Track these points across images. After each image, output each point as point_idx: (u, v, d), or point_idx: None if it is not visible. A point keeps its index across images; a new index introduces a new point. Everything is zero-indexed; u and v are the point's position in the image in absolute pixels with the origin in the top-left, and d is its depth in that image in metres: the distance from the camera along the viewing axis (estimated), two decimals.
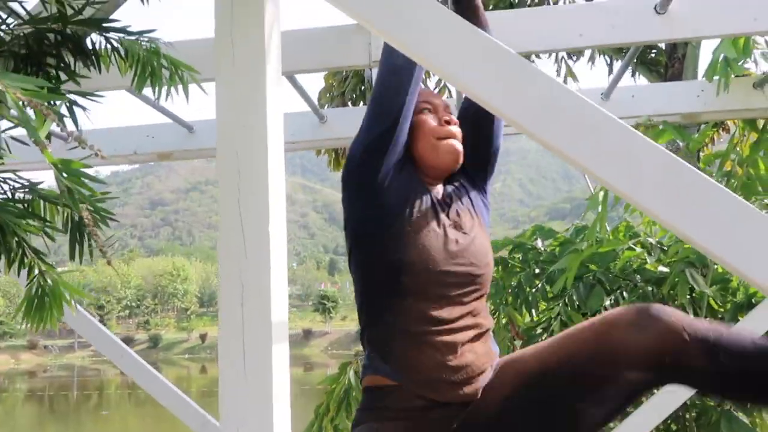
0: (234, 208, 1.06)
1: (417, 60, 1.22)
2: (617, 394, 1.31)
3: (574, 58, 4.04)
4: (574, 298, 3.36)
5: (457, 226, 1.49)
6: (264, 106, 1.10)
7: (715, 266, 3.16)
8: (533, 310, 3.48)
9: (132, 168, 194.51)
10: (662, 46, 4.29)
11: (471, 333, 1.43)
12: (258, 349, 1.02)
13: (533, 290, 3.55)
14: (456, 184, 1.58)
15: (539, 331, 3.18)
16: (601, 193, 3.02)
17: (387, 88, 1.46)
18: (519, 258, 3.78)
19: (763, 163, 3.09)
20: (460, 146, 1.54)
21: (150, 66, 1.03)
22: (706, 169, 3.30)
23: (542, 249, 3.79)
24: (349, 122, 3.04)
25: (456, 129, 1.55)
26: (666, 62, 4.05)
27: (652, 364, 1.26)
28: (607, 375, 1.30)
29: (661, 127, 2.67)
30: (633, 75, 4.33)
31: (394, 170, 1.47)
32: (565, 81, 4.00)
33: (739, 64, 2.66)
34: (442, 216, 1.48)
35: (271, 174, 1.08)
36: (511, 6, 4.18)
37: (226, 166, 1.08)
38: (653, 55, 4.16)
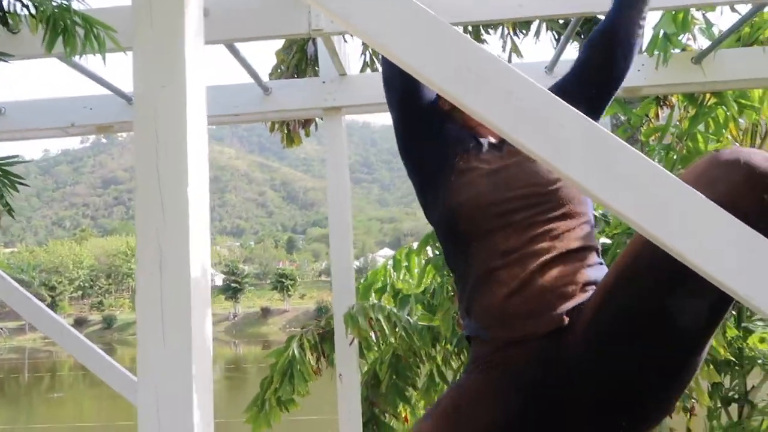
0: (152, 173, 1.03)
1: (343, 27, 1.19)
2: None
3: (521, 34, 4.06)
4: None
5: (508, 154, 1.42)
6: (183, 71, 1.07)
7: None
8: None
9: (83, 146, 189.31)
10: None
11: (547, 256, 1.31)
12: (177, 313, 1.00)
13: None
14: None
15: None
16: None
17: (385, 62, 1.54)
18: None
19: (701, 136, 3.17)
20: None
21: (63, 22, 0.99)
22: (647, 142, 3.36)
23: None
24: (293, 94, 3.01)
25: None
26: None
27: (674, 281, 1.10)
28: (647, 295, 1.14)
29: None
30: (579, 50, 4.36)
31: (435, 132, 1.49)
32: (510, 58, 4.02)
33: (679, 38, 2.71)
34: (489, 149, 1.45)
35: (190, 138, 1.06)
36: None
37: (144, 130, 1.05)
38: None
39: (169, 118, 1.05)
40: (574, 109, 1.01)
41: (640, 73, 2.89)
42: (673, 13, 2.75)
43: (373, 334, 2.75)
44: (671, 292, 1.13)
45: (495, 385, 1.29)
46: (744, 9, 2.59)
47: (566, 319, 1.26)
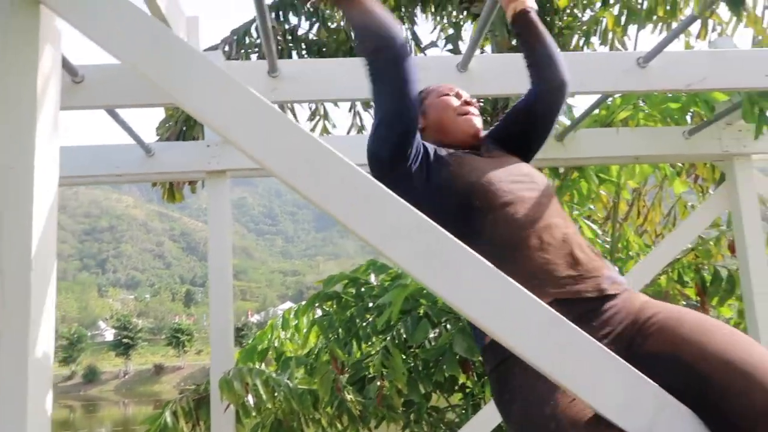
0: None
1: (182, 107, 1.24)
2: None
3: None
4: (402, 331, 3.50)
5: (495, 156, 1.61)
6: (32, 147, 1.09)
7: None
8: (363, 344, 3.57)
9: None
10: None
11: (569, 230, 1.46)
12: (13, 386, 1.00)
13: (364, 324, 3.65)
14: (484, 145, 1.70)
15: (366, 365, 3.28)
16: None
17: (392, 96, 1.49)
18: (353, 292, 3.88)
19: (566, 207, 3.42)
20: (478, 121, 1.70)
21: None
22: None
23: (375, 284, 3.91)
24: (176, 156, 3.01)
25: (471, 106, 1.71)
26: (492, 111, 4.39)
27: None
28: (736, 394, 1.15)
29: None
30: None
31: (423, 161, 1.54)
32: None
33: None
34: (475, 155, 1.60)
35: (36, 221, 1.07)
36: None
37: None
38: (480, 103, 4.50)
39: (15, 202, 1.07)
40: (400, 199, 1.11)
41: None
42: None
43: (251, 399, 2.73)
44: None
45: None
46: None
47: (607, 291, 1.37)
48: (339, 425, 3.53)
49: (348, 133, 4.77)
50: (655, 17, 4.27)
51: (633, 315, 1.37)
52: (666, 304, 1.40)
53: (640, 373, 1.16)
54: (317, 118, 4.75)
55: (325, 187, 1.10)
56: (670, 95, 3.07)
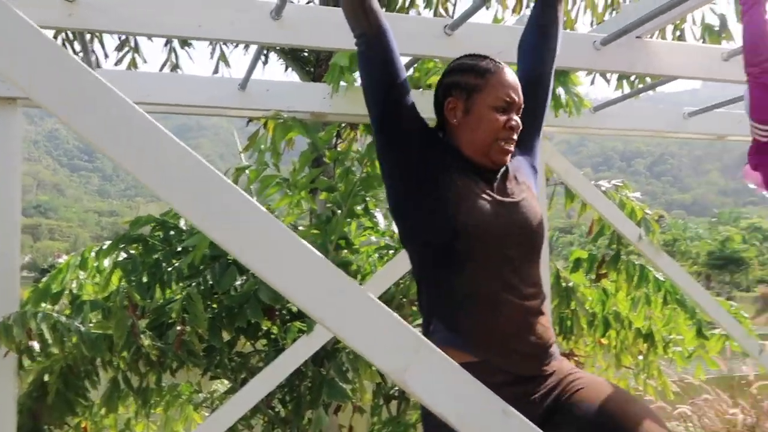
0: None
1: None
2: None
3: (230, 46, 4.15)
4: (208, 278, 3.46)
5: (504, 194, 1.52)
6: None
7: None
8: (167, 289, 3.49)
9: None
10: None
11: (536, 302, 1.47)
12: None
13: (170, 269, 3.55)
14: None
15: (167, 310, 3.21)
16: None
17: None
18: (161, 236, 3.75)
19: (378, 162, 3.54)
20: (510, 154, 1.56)
21: None
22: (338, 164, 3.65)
23: (185, 228, 3.81)
24: None
25: (516, 135, 1.55)
26: (315, 62, 4.39)
27: None
28: None
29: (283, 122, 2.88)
30: (286, 70, 4.62)
31: (422, 142, 1.52)
32: (216, 69, 4.08)
33: (353, 73, 3.00)
34: (485, 185, 1.51)
35: None
36: None
37: None
38: (305, 54, 4.47)
39: None
40: (177, 141, 1.10)
41: (326, 101, 3.15)
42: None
43: (37, 345, 2.58)
44: None
45: None
46: None
47: (554, 372, 1.48)
48: (141, 370, 3.45)
49: (161, 69, 4.51)
50: None
51: (561, 377, 1.52)
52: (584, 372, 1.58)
53: (399, 318, 1.27)
54: (126, 49, 4.43)
55: (96, 120, 1.06)
56: None
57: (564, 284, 4.03)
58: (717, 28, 4.53)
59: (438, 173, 1.51)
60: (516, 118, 1.55)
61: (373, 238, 4.29)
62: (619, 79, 4.36)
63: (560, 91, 3.27)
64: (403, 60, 2.93)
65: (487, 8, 5.01)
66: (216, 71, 4.36)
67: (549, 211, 4.11)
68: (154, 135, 1.07)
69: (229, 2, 2.22)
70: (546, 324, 1.51)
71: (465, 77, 1.57)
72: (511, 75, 1.58)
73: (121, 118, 1.06)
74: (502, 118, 1.53)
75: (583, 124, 3.66)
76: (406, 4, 4.72)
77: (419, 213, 1.51)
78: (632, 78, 4.34)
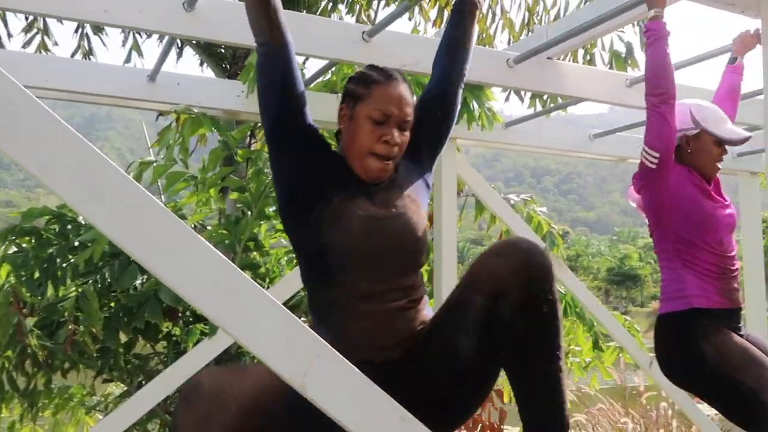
0: None
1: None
2: (473, 321, 1.39)
3: (143, 35, 3.99)
4: (107, 275, 3.31)
5: (384, 206, 1.54)
6: None
7: None
8: (61, 286, 3.31)
9: None
10: None
11: (402, 302, 1.52)
12: None
13: (65, 265, 3.37)
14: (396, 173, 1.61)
15: (59, 308, 3.04)
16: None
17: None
18: (56, 230, 3.56)
19: None
20: (387, 170, 1.55)
21: None
22: (241, 163, 3.58)
23: (83, 222, 3.63)
24: None
25: (392, 150, 1.54)
26: (231, 59, 4.29)
27: (493, 292, 1.35)
28: (466, 299, 1.40)
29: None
30: (201, 65, 4.48)
31: (310, 156, 1.54)
32: (128, 59, 3.89)
33: None
34: (366, 198, 1.53)
35: None
36: None
37: None
38: (221, 50, 4.36)
39: None
40: (68, 128, 1.04)
41: (239, 99, 3.08)
42: None
43: None
44: (457, 325, 1.43)
45: None
46: None
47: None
48: (28, 371, 3.25)
49: (72, 55, 4.28)
50: None
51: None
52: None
53: (300, 322, 1.25)
54: (35, 31, 4.18)
55: None
56: None
57: None
58: (623, 55, 4.76)
59: (320, 188, 1.53)
60: (394, 134, 1.54)
61: (283, 241, 4.24)
62: (532, 97, 4.50)
63: (474, 105, 3.34)
64: (320, 63, 2.93)
65: (410, 19, 5.09)
66: (128, 61, 4.18)
67: (460, 222, 4.18)
68: (43, 120, 1.00)
69: None
70: (409, 317, 1.54)
71: (356, 86, 1.60)
72: (399, 89, 1.58)
73: (6, 102, 0.99)
74: (377, 131, 1.53)
75: (495, 139, 3.74)
76: (329, 7, 4.70)
77: (297, 225, 1.55)
78: (545, 97, 4.49)
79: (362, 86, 1.58)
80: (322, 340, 1.25)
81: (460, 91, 1.80)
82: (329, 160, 1.59)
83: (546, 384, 1.39)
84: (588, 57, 5.07)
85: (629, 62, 4.80)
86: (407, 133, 1.58)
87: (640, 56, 5.34)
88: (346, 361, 1.28)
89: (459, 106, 1.81)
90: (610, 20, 2.39)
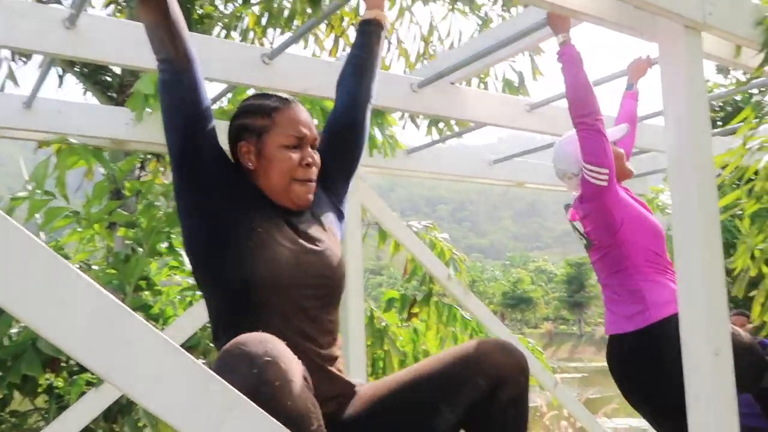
0: None
1: None
2: (465, 397, 1.45)
3: (19, 61, 3.67)
4: None
5: (307, 239, 1.47)
6: None
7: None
8: None
9: None
10: (117, 70, 4.29)
11: (332, 349, 1.48)
12: None
13: None
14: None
15: None
16: None
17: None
18: None
19: None
20: (311, 193, 1.51)
21: None
22: (136, 196, 3.34)
23: None
24: None
25: (315, 171, 1.51)
26: (119, 87, 4.04)
27: (496, 380, 1.44)
28: (466, 376, 1.45)
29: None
30: (84, 94, 4.17)
31: (224, 180, 1.44)
32: (2, 87, 3.55)
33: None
34: (290, 230, 1.46)
35: None
36: None
37: None
38: (107, 78, 4.09)
39: None
40: None
41: (128, 127, 2.86)
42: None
43: None
44: (445, 397, 1.46)
45: None
46: None
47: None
48: None
49: None
50: (295, 24, 4.44)
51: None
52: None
53: (208, 370, 1.10)
54: None
55: None
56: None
57: (378, 325, 4.02)
58: (516, 84, 4.91)
59: (239, 218, 1.43)
60: (312, 154, 1.52)
61: (178, 278, 4.00)
62: (429, 125, 4.52)
63: (376, 131, 3.28)
64: (218, 87, 2.77)
65: (305, 47, 5.02)
66: (2, 89, 3.82)
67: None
68: None
69: (13, 4, 1.92)
70: (341, 367, 1.53)
71: (253, 119, 1.52)
72: (300, 109, 1.55)
73: None
74: (296, 156, 1.50)
75: (397, 166, 3.71)
76: (222, 35, 4.55)
77: (213, 257, 1.43)
78: (440, 125, 4.53)
79: (261, 117, 1.51)
80: (236, 390, 1.11)
81: (368, 114, 1.75)
82: (246, 188, 1.49)
83: None
84: (482, 86, 5.19)
85: (521, 91, 4.96)
86: (316, 170, 1.54)
87: (531, 85, 5.55)
88: (267, 415, 1.14)
89: (368, 130, 1.74)
90: (513, 43, 2.40)
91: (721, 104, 9.18)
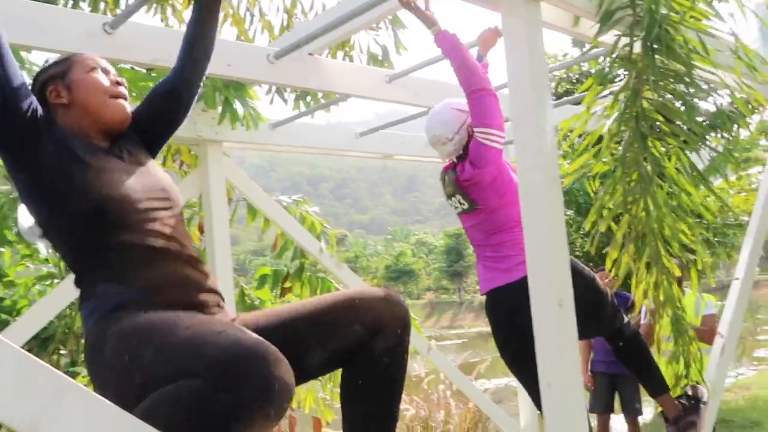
0: None
1: None
2: (340, 340, 1.54)
3: None
4: None
5: (136, 163, 1.57)
6: None
7: None
8: None
9: None
10: None
11: (195, 252, 1.56)
12: None
13: None
14: (127, 139, 1.62)
15: None
16: None
17: None
18: None
19: None
20: (128, 106, 1.60)
21: None
22: None
23: None
24: None
25: (123, 89, 1.60)
26: None
27: (374, 329, 1.54)
28: (344, 320, 1.54)
29: None
30: None
31: (50, 141, 1.46)
32: None
33: None
34: (115, 158, 1.53)
35: None
36: None
37: None
38: None
39: None
40: None
41: None
42: None
43: None
44: (319, 337, 1.55)
45: None
46: None
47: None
48: None
49: None
50: None
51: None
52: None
53: (37, 360, 1.04)
54: None
55: None
56: (146, 71, 3.03)
57: (249, 302, 3.96)
58: (380, 58, 4.94)
59: (72, 160, 1.47)
60: (110, 67, 1.63)
61: (31, 267, 3.75)
62: (296, 99, 4.47)
63: (237, 104, 3.20)
64: (55, 58, 2.58)
65: (162, 20, 4.78)
66: None
67: (243, 233, 4.01)
68: None
69: None
70: (205, 270, 1.59)
71: (53, 69, 1.59)
72: (94, 55, 1.67)
73: None
74: (102, 77, 1.60)
75: (263, 140, 3.64)
76: (69, 5, 4.24)
77: (63, 195, 1.45)
78: (308, 99, 4.48)
79: (60, 65, 1.60)
80: (68, 378, 1.05)
81: (195, 90, 1.77)
82: (66, 139, 1.51)
83: (389, 420, 1.62)
84: (347, 59, 5.19)
85: (386, 64, 5.00)
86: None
87: (396, 59, 5.61)
88: (99, 397, 1.10)
89: (189, 108, 1.77)
90: (367, 12, 2.40)
91: (577, 76, 9.74)
